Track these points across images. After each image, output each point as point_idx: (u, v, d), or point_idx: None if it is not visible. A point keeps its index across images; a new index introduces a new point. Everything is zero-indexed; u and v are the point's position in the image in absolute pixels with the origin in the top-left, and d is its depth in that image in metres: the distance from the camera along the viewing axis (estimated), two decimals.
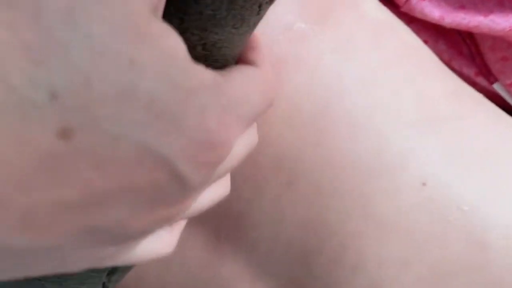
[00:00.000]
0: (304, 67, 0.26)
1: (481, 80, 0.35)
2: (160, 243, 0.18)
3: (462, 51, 0.34)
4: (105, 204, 0.14)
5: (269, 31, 0.27)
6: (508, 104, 0.35)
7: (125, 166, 0.13)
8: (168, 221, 0.16)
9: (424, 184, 0.24)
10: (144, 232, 0.16)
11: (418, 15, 0.33)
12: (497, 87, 0.35)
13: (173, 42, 0.14)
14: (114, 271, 0.22)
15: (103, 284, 0.22)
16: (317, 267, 0.25)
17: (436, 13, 0.32)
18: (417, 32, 0.31)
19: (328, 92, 0.26)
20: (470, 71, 0.34)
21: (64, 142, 0.12)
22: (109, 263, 0.16)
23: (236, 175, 0.25)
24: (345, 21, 0.28)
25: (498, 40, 0.33)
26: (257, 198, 0.26)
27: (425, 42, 0.34)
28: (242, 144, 0.19)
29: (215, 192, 0.20)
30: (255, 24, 0.18)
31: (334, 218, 0.25)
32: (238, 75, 0.17)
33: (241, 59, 0.20)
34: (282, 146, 0.26)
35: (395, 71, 0.27)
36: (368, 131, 0.25)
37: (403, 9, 0.33)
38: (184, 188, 0.15)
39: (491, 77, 0.35)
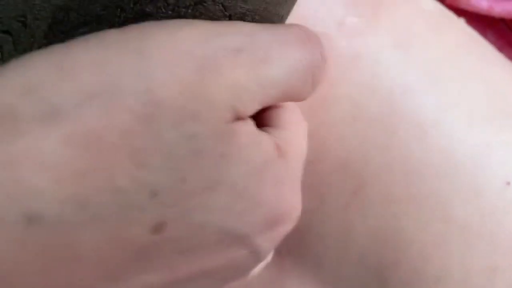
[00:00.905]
0: (363, 63, 0.24)
1: None
2: None
3: (510, 41, 0.33)
4: (186, 285, 0.14)
5: (318, 25, 0.25)
6: None
7: (207, 249, 0.14)
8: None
9: (508, 183, 0.22)
10: None
11: (464, 7, 0.31)
12: None
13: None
14: None
15: None
16: (395, 281, 0.23)
17: (484, 4, 0.31)
18: None
19: (392, 89, 0.24)
20: None
21: (157, 236, 0.13)
22: None
23: None
24: (399, 13, 0.26)
25: None
26: (321, 208, 0.24)
27: None
28: None
29: None
30: None
31: (411, 226, 0.23)
32: (294, 140, 0.17)
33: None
34: (345, 150, 0.24)
35: (460, 64, 0.25)
36: (439, 130, 0.23)
37: (449, 1, 0.31)
38: (257, 260, 0.16)
39: None
